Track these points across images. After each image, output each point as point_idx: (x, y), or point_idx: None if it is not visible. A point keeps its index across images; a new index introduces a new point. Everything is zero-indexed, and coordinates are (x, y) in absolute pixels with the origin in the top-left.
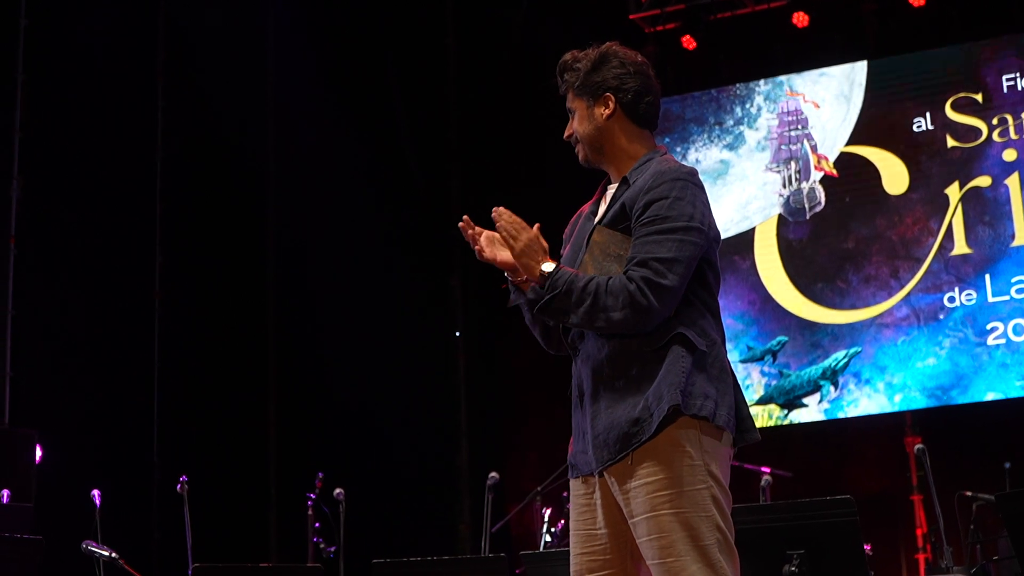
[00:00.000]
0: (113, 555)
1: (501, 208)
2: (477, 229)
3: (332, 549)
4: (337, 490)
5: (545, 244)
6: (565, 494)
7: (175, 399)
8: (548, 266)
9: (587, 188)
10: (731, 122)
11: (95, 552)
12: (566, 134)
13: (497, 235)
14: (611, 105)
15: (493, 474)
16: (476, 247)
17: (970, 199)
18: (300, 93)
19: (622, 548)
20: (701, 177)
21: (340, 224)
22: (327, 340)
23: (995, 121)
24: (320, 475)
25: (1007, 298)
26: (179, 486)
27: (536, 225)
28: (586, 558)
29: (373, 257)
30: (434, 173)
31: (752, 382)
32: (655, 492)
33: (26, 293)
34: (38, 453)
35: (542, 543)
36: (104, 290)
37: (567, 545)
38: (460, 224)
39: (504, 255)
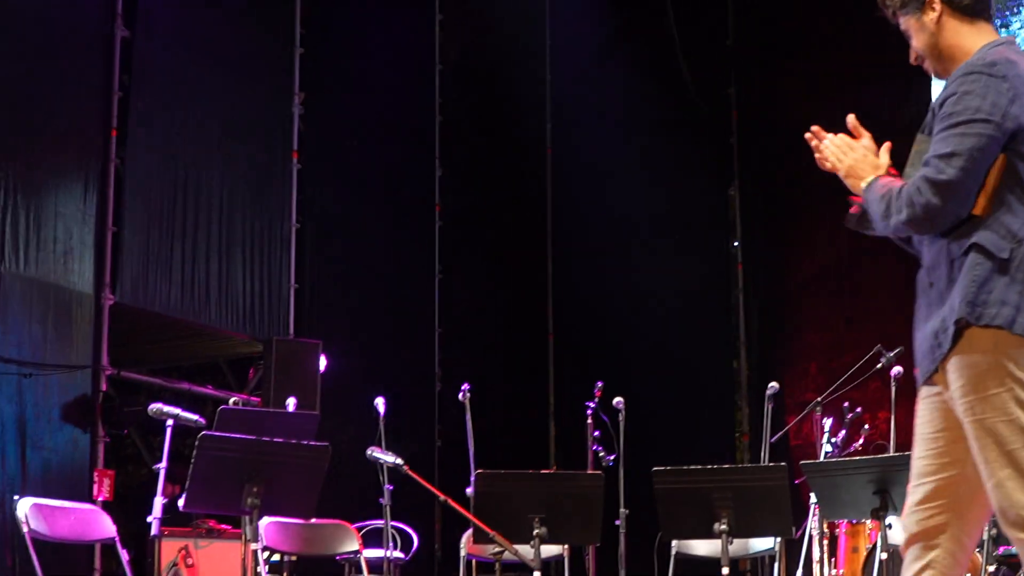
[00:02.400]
0: (398, 461)
1: (825, 133)
2: (821, 137)
3: (611, 457)
4: (616, 399)
5: (877, 160)
6: (846, 404)
7: (455, 308)
8: (865, 183)
9: (862, 95)
10: None
11: (380, 458)
12: (912, 59)
13: (846, 140)
14: (936, 6)
15: (773, 384)
16: (818, 156)
17: None
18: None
19: (957, 451)
20: None
21: (616, 134)
22: (604, 250)
23: None
24: (599, 384)
25: None
26: (461, 394)
27: (864, 137)
28: (924, 462)
29: (650, 167)
30: (710, 82)
31: None
32: (961, 399)
33: (309, 206)
34: (323, 362)
35: (822, 453)
36: (385, 202)
37: (848, 455)
38: (807, 135)
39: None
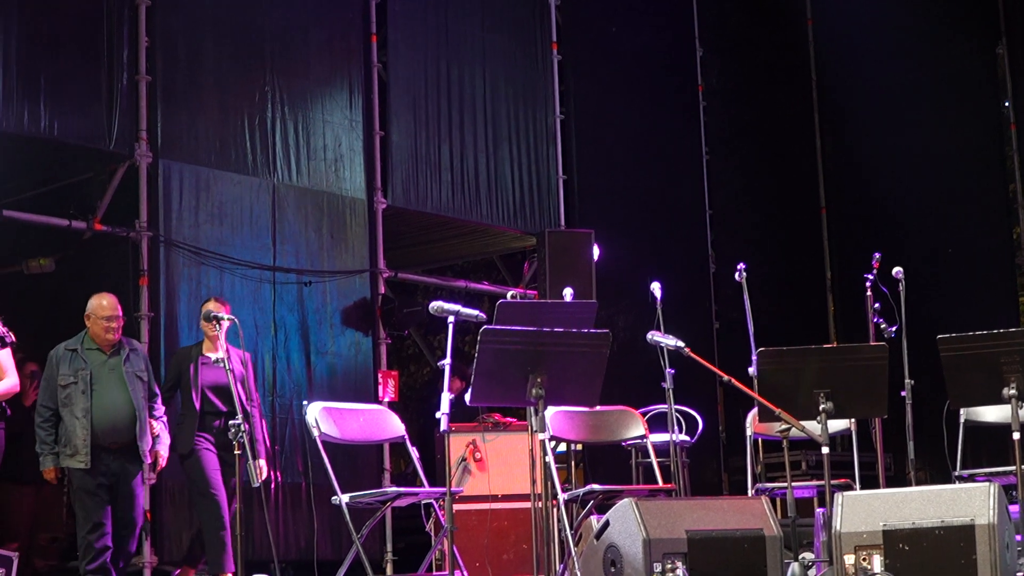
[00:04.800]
0: (679, 344)
1: None
2: None
3: (893, 328)
4: (895, 269)
5: None
6: None
7: (724, 188)
8: None
9: None
10: None
11: (660, 342)
12: None
13: None
14: None
15: None
16: None
17: None
18: None
19: None
20: None
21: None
22: (872, 118)
23: None
24: (877, 255)
25: None
26: (737, 274)
27: None
28: None
29: (914, 29)
30: None
31: None
32: None
33: (571, 96)
34: (596, 251)
35: None
36: (647, 86)
37: None
38: None
39: None
